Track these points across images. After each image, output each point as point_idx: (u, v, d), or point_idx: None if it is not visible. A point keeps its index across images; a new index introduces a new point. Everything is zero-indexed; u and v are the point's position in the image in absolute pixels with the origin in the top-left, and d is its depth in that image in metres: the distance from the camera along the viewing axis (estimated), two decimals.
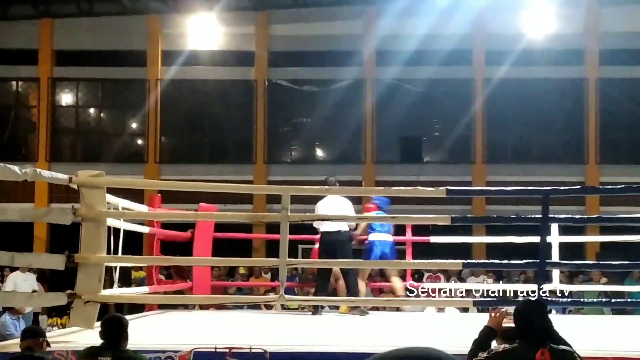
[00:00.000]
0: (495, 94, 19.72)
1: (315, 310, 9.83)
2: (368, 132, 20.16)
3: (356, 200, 16.96)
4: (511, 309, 4.46)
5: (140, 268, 12.93)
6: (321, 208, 9.51)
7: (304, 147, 21.37)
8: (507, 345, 4.30)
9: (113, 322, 5.29)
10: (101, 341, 5.18)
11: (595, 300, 9.85)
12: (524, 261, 7.54)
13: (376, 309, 11.60)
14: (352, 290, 9.58)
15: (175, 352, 6.01)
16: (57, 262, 6.94)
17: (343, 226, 9.50)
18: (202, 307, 10.97)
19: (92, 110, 21.94)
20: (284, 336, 7.36)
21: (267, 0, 20.53)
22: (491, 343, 4.54)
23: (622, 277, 13.37)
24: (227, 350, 5.90)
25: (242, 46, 20.60)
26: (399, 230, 11.31)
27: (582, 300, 10.25)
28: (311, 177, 17.25)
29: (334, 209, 9.32)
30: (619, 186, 8.49)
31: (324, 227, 9.53)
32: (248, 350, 5.89)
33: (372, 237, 9.97)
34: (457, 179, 18.34)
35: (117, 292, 8.15)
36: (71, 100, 21.64)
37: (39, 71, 20.83)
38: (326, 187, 7.61)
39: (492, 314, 4.68)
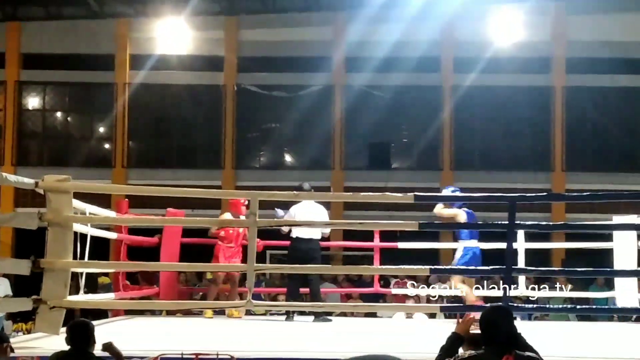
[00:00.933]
0: (463, 101, 19.84)
1: (288, 315, 9.77)
2: (337, 138, 20.19)
3: (325, 206, 17.00)
4: (478, 316, 4.49)
5: (107, 274, 12.85)
6: (297, 213, 9.43)
7: (272, 153, 21.35)
8: (472, 352, 4.33)
9: (79, 327, 5.24)
10: (68, 347, 5.13)
11: (560, 306, 9.91)
12: (490, 267, 7.59)
13: (344, 314, 11.63)
14: (315, 297, 9.50)
15: (142, 358, 5.98)
16: (22, 267, 6.89)
17: (316, 234, 9.45)
18: (169, 312, 10.91)
19: (59, 114, 21.76)
20: (250, 342, 7.35)
21: (237, 5, 20.47)
22: (458, 350, 4.56)
23: (587, 283, 13.50)
24: (193, 356, 5.87)
25: (211, 51, 20.55)
26: (367, 236, 11.34)
27: (547, 306, 10.35)
28: (280, 183, 17.29)
29: (310, 216, 9.31)
30: (585, 193, 8.59)
31: (296, 232, 9.49)
32: (215, 356, 5.87)
33: (465, 244, 9.42)
34: (425, 185, 18.36)
35: (83, 298, 8.10)
36: (38, 103, 21.44)
37: (5, 74, 20.58)
38: (295, 192, 7.60)
39: (460, 321, 4.70)
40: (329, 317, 9.69)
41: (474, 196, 8.21)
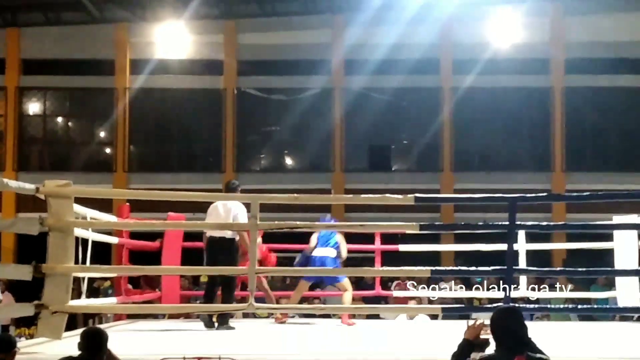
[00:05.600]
0: (462, 103, 19.86)
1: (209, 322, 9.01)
2: (337, 141, 20.21)
3: (326, 209, 17.00)
4: (488, 320, 4.47)
5: (108, 278, 12.86)
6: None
7: (273, 156, 21.40)
8: (484, 354, 4.32)
9: (94, 335, 5.24)
10: (78, 352, 5.14)
11: (561, 306, 9.91)
12: (491, 268, 7.59)
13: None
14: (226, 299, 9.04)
15: None
16: (23, 272, 6.89)
17: (220, 233, 8.93)
18: (171, 316, 10.92)
19: (59, 119, 21.82)
20: (252, 345, 7.36)
21: (236, 9, 20.52)
22: (470, 355, 4.52)
23: (588, 283, 13.48)
24: (196, 359, 5.89)
25: (210, 55, 20.58)
26: (368, 238, 11.33)
27: (548, 306, 10.34)
28: (281, 186, 17.33)
29: (215, 216, 9.00)
30: (584, 193, 8.60)
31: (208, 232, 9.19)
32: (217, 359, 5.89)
33: (315, 252, 9.65)
34: (425, 187, 18.39)
35: (85, 303, 8.11)
36: (39, 109, 21.50)
37: (6, 80, 20.62)
38: (295, 195, 7.61)
39: (469, 326, 4.67)
40: (232, 326, 9.10)
41: (474, 197, 8.23)
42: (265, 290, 10.18)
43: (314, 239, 9.73)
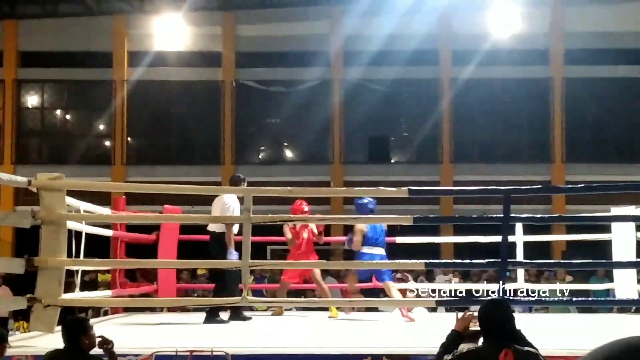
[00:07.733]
0: (461, 94, 19.82)
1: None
2: (336, 133, 20.17)
3: (325, 201, 17.01)
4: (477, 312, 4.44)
5: (107, 271, 12.84)
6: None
7: (271, 148, 21.37)
8: (470, 346, 4.28)
9: (72, 324, 5.23)
10: (63, 345, 5.12)
11: (559, 299, 9.87)
12: (486, 260, 7.55)
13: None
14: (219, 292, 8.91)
15: (136, 355, 5.98)
16: (16, 266, 6.87)
17: (212, 227, 8.90)
18: (170, 309, 10.89)
19: (58, 111, 21.81)
20: (245, 338, 7.33)
21: (234, 0, 20.47)
22: (458, 346, 4.50)
23: (587, 275, 13.45)
24: (188, 353, 5.87)
25: (209, 47, 20.55)
26: None
27: (545, 299, 10.30)
28: (279, 178, 17.31)
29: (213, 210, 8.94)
30: (579, 185, 8.55)
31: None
32: (209, 353, 5.87)
33: (365, 250, 9.32)
34: (425, 178, 18.40)
35: (79, 296, 8.09)
36: (37, 102, 21.48)
37: (3, 73, 20.61)
38: (289, 188, 7.56)
39: (459, 317, 4.64)
40: (248, 316, 9.15)
41: (467, 189, 8.19)
42: (318, 282, 9.92)
43: (361, 231, 9.27)
